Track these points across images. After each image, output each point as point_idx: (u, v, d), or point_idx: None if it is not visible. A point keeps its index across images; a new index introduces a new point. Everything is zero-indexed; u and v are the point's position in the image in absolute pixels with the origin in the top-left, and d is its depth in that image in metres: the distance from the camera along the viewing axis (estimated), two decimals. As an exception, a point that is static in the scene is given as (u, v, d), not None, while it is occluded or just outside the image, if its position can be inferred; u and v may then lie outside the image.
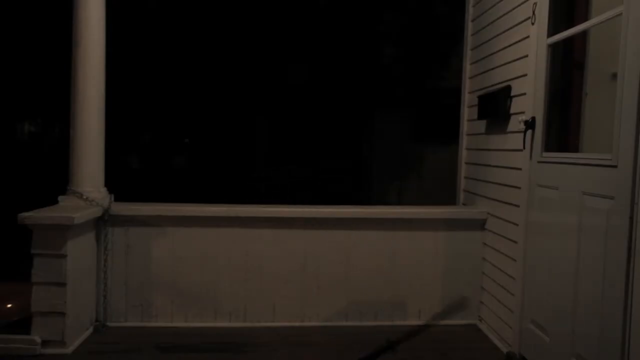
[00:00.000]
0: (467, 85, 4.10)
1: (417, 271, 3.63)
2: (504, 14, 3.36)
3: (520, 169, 3.03)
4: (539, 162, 2.84)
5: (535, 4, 2.88)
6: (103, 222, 3.36)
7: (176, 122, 10.17)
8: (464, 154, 4.11)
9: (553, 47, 2.82)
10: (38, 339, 2.96)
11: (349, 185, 9.60)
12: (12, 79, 8.73)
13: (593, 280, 2.29)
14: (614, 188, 2.17)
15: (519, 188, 3.03)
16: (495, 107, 3.32)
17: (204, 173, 9.94)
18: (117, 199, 3.47)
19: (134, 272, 3.45)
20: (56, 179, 3.71)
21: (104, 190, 3.40)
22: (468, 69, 4.09)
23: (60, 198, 3.29)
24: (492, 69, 3.55)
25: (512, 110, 3.19)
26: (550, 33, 2.78)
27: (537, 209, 2.86)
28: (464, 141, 4.12)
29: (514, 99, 3.17)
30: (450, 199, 4.31)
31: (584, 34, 2.85)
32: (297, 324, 3.52)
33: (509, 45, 3.26)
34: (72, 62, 3.28)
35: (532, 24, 2.92)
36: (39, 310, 2.98)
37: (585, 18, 2.77)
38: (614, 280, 2.14)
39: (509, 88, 3.22)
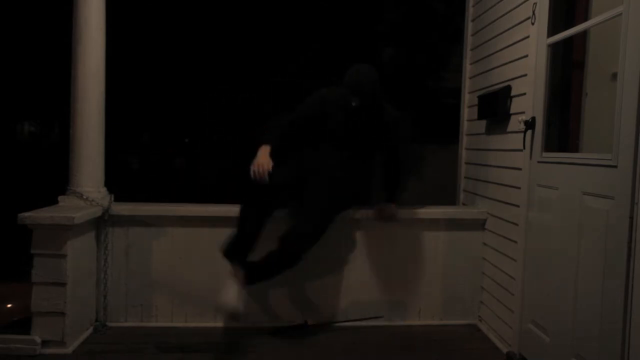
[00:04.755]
0: (467, 85, 4.10)
1: (416, 271, 3.63)
2: (504, 14, 3.36)
3: (520, 169, 3.03)
4: (539, 162, 2.84)
5: (535, 4, 2.88)
6: (103, 222, 3.37)
7: (176, 122, 10.16)
8: (464, 154, 4.11)
9: (553, 47, 2.82)
10: (38, 339, 2.96)
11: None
12: (11, 79, 8.73)
13: (593, 280, 2.29)
14: (614, 188, 2.17)
15: (519, 188, 3.03)
16: (495, 107, 3.32)
17: (204, 173, 9.94)
18: (117, 199, 3.46)
19: (134, 272, 3.45)
20: (56, 179, 3.71)
21: (104, 190, 3.40)
22: (468, 69, 4.09)
23: (60, 198, 3.29)
24: (492, 69, 3.55)
25: (512, 110, 3.19)
26: (550, 33, 2.78)
27: (537, 209, 2.86)
28: (464, 141, 4.12)
29: (514, 99, 3.17)
30: (450, 199, 4.31)
31: (584, 34, 2.85)
32: (297, 323, 3.52)
33: (509, 45, 3.26)
34: (72, 62, 3.27)
35: (532, 24, 2.92)
36: (39, 310, 2.98)
37: (585, 18, 2.77)
38: (614, 280, 2.14)
39: (509, 88, 3.22)
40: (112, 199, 3.42)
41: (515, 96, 3.16)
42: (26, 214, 2.92)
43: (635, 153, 2.04)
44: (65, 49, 3.43)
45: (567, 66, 2.99)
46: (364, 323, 3.57)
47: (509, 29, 3.27)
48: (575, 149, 2.93)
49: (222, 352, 3.17)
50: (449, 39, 8.56)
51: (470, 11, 4.06)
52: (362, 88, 2.94)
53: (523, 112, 2.99)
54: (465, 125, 4.12)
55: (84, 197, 3.26)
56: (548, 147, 2.83)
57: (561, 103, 3.00)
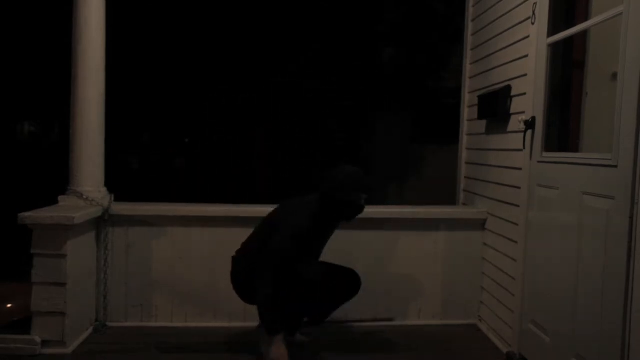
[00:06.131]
0: (467, 85, 4.10)
1: (417, 271, 3.63)
2: (504, 14, 3.36)
3: (520, 168, 3.03)
4: (539, 162, 2.84)
5: (535, 4, 2.88)
6: (103, 222, 3.37)
7: (176, 122, 10.16)
8: (464, 154, 4.11)
9: (553, 47, 2.82)
10: (38, 339, 2.96)
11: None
12: (11, 79, 8.72)
13: (593, 280, 2.29)
14: (614, 188, 2.17)
15: (519, 188, 3.03)
16: (495, 107, 3.32)
17: (204, 173, 9.94)
18: (117, 199, 3.46)
19: (134, 272, 3.45)
20: (56, 179, 3.71)
21: (104, 190, 3.40)
22: (468, 69, 4.09)
23: (60, 198, 3.28)
24: (492, 68, 3.55)
25: (512, 110, 3.19)
26: (550, 33, 2.78)
27: (537, 209, 2.86)
28: (464, 141, 4.12)
29: (514, 99, 3.17)
30: (450, 199, 4.31)
31: (584, 33, 2.85)
32: (297, 324, 3.52)
33: (509, 45, 3.26)
34: (72, 62, 3.28)
35: (532, 23, 2.92)
36: (39, 310, 2.98)
37: (585, 18, 2.77)
38: (614, 280, 2.14)
39: (509, 88, 3.22)
40: (112, 198, 3.43)
41: (515, 96, 3.16)
42: (26, 214, 2.92)
43: (635, 153, 2.04)
44: (65, 49, 3.43)
45: (567, 66, 2.99)
46: (363, 323, 3.57)
47: (509, 28, 3.27)
48: (575, 149, 2.93)
49: (222, 352, 3.17)
50: (449, 39, 8.56)
51: (470, 11, 4.06)
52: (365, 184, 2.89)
53: (523, 112, 2.99)
54: (465, 125, 4.12)
55: (84, 197, 3.26)
56: (548, 147, 2.83)
57: (561, 103, 3.00)
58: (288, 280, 2.74)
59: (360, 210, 2.95)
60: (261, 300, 2.72)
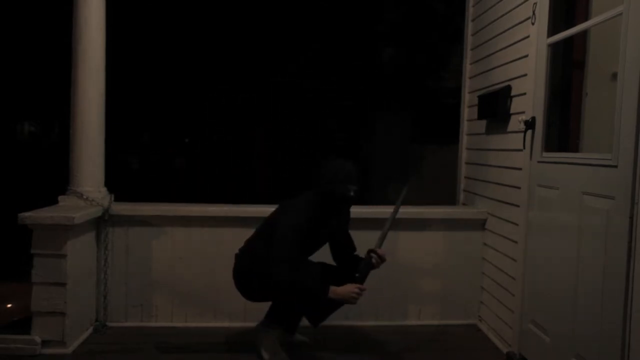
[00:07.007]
0: (467, 85, 4.10)
1: (417, 271, 3.63)
2: (504, 14, 3.36)
3: (520, 169, 3.03)
4: (539, 162, 2.84)
5: (535, 4, 2.88)
6: (103, 222, 3.37)
7: (176, 122, 10.16)
8: (464, 154, 4.12)
9: (553, 47, 2.82)
10: (38, 339, 2.96)
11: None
12: (12, 79, 8.72)
13: (593, 280, 2.29)
14: (614, 188, 2.17)
15: (519, 188, 3.03)
16: (495, 107, 3.32)
17: (204, 173, 9.94)
18: (117, 199, 3.47)
19: (134, 272, 3.45)
20: (56, 179, 3.71)
21: (104, 190, 3.40)
22: (468, 69, 4.09)
23: (60, 198, 3.29)
24: (492, 68, 3.55)
25: (512, 110, 3.19)
26: (550, 33, 2.78)
27: (537, 209, 2.86)
28: (464, 141, 4.12)
29: (514, 99, 3.18)
30: (450, 199, 4.31)
31: (584, 33, 2.86)
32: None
33: (509, 45, 3.26)
34: (72, 62, 3.28)
35: (532, 24, 2.92)
36: (39, 310, 2.98)
37: (585, 18, 2.77)
38: (614, 280, 2.14)
39: (509, 88, 3.22)
40: (112, 198, 3.43)
41: (515, 96, 3.16)
42: (26, 214, 2.92)
43: (635, 153, 2.04)
44: (65, 49, 3.43)
45: (567, 66, 2.99)
46: (363, 323, 3.57)
47: (509, 28, 3.27)
48: (575, 149, 2.93)
49: (222, 352, 3.17)
50: (449, 39, 8.56)
51: (470, 11, 4.06)
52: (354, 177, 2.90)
53: (523, 112, 2.99)
54: (465, 125, 4.12)
55: (84, 197, 3.26)
56: (548, 147, 2.83)
57: (561, 103, 3.00)
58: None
59: (349, 201, 2.94)
60: (289, 286, 2.71)
